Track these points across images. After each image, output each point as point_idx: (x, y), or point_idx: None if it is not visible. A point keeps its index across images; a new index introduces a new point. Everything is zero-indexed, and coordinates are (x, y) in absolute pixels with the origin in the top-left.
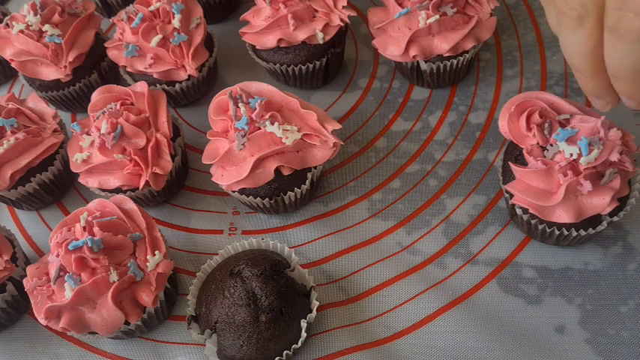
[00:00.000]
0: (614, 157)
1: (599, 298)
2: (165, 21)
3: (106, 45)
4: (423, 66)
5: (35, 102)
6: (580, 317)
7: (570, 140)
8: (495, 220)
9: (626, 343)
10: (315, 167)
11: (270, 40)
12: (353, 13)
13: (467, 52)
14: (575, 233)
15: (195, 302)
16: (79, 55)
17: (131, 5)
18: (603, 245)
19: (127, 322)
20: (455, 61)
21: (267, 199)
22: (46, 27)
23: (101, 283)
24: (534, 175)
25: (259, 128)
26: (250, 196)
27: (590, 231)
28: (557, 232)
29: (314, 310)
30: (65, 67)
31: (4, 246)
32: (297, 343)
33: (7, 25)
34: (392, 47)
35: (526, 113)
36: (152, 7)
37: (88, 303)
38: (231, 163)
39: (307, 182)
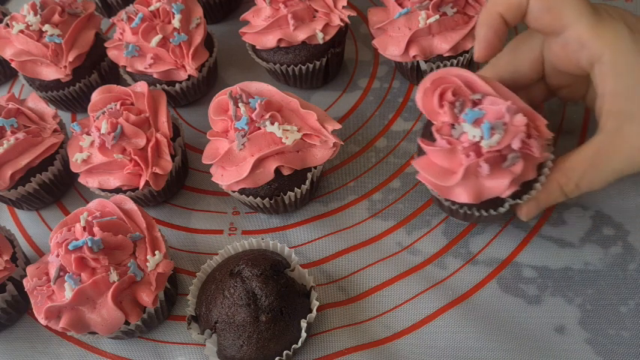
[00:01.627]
0: (517, 143)
1: (599, 298)
2: (165, 21)
3: (106, 45)
4: (423, 66)
5: (35, 102)
6: (580, 317)
7: (477, 122)
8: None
9: (626, 343)
10: (315, 167)
11: (270, 40)
12: (353, 13)
13: (467, 52)
14: (477, 213)
15: (195, 302)
16: (79, 55)
17: (131, 5)
18: (603, 245)
19: (127, 322)
20: (455, 61)
21: (267, 199)
22: (46, 27)
23: (101, 283)
24: (439, 153)
25: (259, 128)
26: (250, 196)
27: (492, 212)
28: (461, 211)
29: (314, 310)
30: (65, 67)
31: (4, 246)
32: (297, 343)
33: (7, 25)
34: (392, 47)
35: (440, 89)
36: (152, 7)
37: (88, 303)
38: (231, 163)
39: (307, 182)
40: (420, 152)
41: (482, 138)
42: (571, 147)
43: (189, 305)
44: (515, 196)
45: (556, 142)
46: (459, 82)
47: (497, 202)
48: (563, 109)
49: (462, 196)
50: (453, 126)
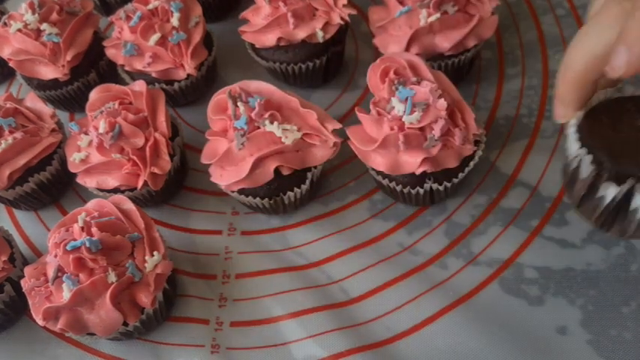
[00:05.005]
0: (439, 125)
1: (601, 298)
2: (164, 20)
3: (104, 44)
4: None
5: (33, 101)
6: (582, 318)
7: (406, 100)
8: (497, 221)
9: (628, 344)
10: (315, 167)
11: (269, 39)
12: (353, 12)
13: (468, 50)
14: (405, 190)
15: None
16: (77, 54)
17: (129, 4)
18: (605, 246)
19: (125, 323)
20: (456, 60)
21: (266, 199)
22: (44, 26)
23: (99, 284)
24: (368, 122)
25: (259, 128)
26: (250, 197)
27: (411, 190)
28: (397, 189)
29: None
30: (63, 66)
31: (2, 246)
32: None
33: (5, 24)
34: (393, 46)
35: (385, 67)
36: (151, 6)
37: (86, 304)
38: (230, 162)
39: (307, 182)
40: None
41: (405, 113)
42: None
43: None
44: (437, 181)
45: (556, 143)
46: (404, 64)
47: (419, 180)
48: None
49: (380, 163)
50: (390, 101)
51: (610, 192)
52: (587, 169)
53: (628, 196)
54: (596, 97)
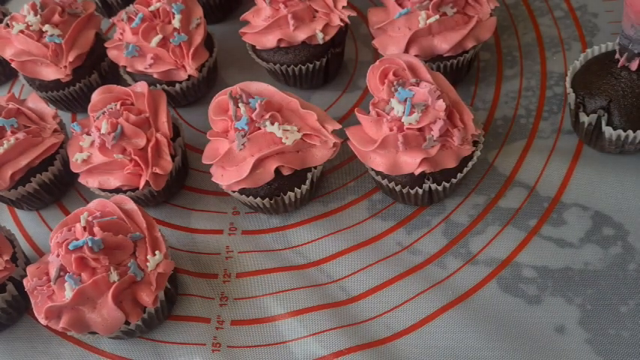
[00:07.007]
0: (438, 125)
1: (599, 298)
2: (166, 21)
3: (106, 45)
4: None
5: (35, 102)
6: (580, 317)
7: (405, 101)
8: (495, 220)
9: (626, 343)
10: (315, 167)
11: (270, 40)
12: (353, 13)
13: (467, 52)
14: (405, 190)
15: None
16: (79, 55)
17: (131, 5)
18: (603, 245)
19: (127, 322)
20: (455, 61)
21: (267, 199)
22: (46, 27)
23: (101, 283)
24: (367, 123)
25: (259, 128)
26: (250, 196)
27: (410, 191)
28: (397, 189)
29: None
30: (65, 67)
31: (4, 246)
32: None
33: (7, 25)
34: (392, 47)
35: (384, 69)
36: (152, 7)
37: (88, 303)
38: (231, 163)
39: (307, 182)
40: None
41: (404, 114)
42: (570, 148)
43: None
44: (436, 181)
45: (554, 144)
46: (403, 65)
47: (418, 180)
48: (562, 109)
49: (379, 163)
50: (389, 102)
51: (586, 120)
52: (572, 104)
53: (600, 123)
54: (597, 49)
